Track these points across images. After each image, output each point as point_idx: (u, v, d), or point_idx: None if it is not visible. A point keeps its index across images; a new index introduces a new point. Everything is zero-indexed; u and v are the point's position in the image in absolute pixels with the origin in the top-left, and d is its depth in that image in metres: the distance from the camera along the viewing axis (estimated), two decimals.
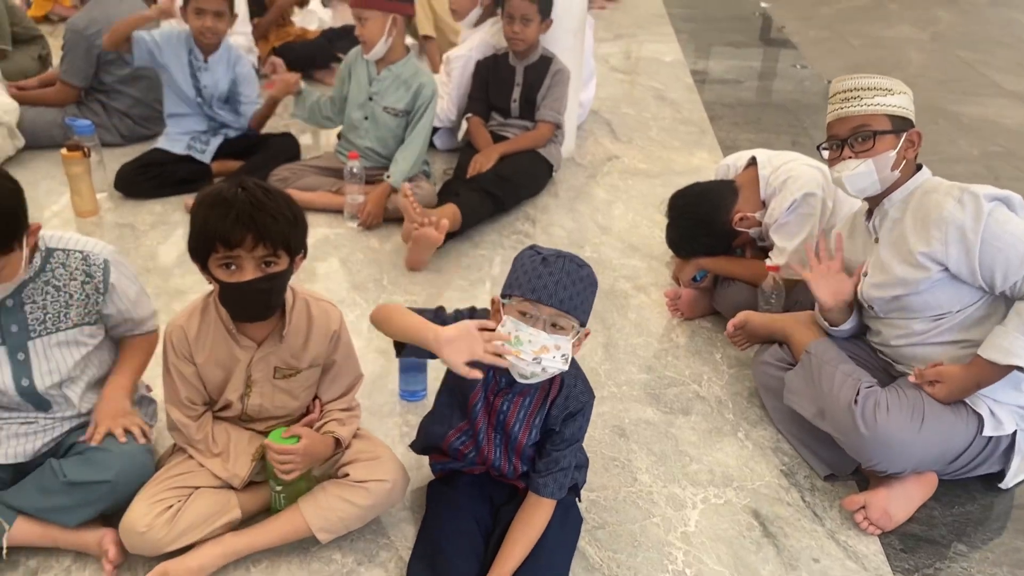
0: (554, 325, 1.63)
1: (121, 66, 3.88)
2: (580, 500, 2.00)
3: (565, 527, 1.86)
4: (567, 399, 1.78)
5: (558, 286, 1.60)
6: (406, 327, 1.69)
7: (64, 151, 3.23)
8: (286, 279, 1.76)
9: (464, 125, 3.92)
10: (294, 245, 1.72)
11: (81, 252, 1.82)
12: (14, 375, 1.80)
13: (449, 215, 3.17)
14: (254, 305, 1.74)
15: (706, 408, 2.47)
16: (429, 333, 1.61)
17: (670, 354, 2.72)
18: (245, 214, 1.62)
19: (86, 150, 3.26)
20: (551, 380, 1.77)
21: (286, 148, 3.74)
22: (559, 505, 1.83)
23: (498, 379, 1.77)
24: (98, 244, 1.86)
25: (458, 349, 1.57)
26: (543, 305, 1.60)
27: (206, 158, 3.63)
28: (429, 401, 2.34)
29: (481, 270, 3.15)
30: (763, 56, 6.51)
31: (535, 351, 1.60)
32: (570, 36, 3.83)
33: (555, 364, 1.62)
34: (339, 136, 3.68)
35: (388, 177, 3.36)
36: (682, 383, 2.58)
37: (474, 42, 3.96)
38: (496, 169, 3.50)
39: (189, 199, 3.41)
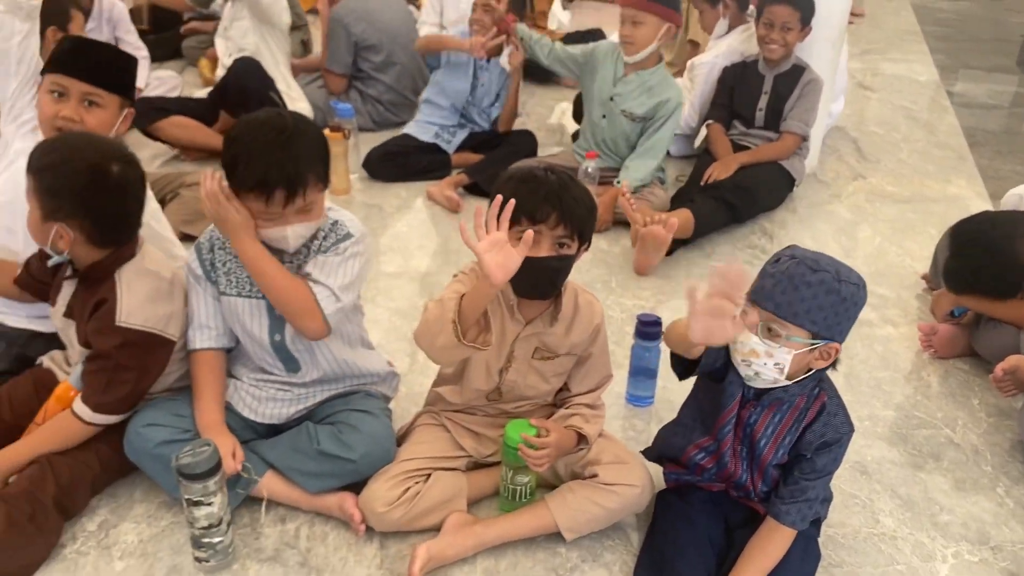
0: (769, 330, 1.54)
1: (376, 53, 4.12)
2: (819, 535, 1.88)
3: (805, 561, 1.75)
4: (825, 427, 1.67)
5: (776, 288, 1.52)
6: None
7: (327, 131, 3.47)
8: (570, 264, 1.78)
9: (702, 131, 3.82)
10: (586, 234, 1.76)
11: (335, 221, 1.90)
12: (270, 329, 1.91)
13: (682, 219, 3.09)
14: (542, 282, 1.76)
15: (960, 456, 2.25)
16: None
17: (920, 393, 2.50)
18: (553, 193, 1.68)
19: (346, 132, 3.48)
20: (809, 403, 1.67)
21: (525, 144, 3.82)
22: (799, 536, 1.72)
23: (746, 390, 1.69)
24: (351, 218, 1.93)
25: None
26: (757, 307, 1.54)
27: (450, 148, 3.78)
28: (657, 409, 2.34)
29: None
30: None
31: (744, 353, 1.56)
32: (827, 46, 3.63)
33: (767, 372, 1.57)
34: (574, 136, 3.71)
35: (619, 182, 3.33)
36: (933, 426, 2.36)
37: (721, 48, 3.85)
38: (735, 178, 3.38)
39: (432, 187, 3.56)
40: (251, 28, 3.82)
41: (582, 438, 1.87)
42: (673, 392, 2.14)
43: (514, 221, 1.65)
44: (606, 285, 2.99)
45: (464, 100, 3.78)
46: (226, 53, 3.91)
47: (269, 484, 1.91)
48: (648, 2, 3.25)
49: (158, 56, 4.47)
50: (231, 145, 1.75)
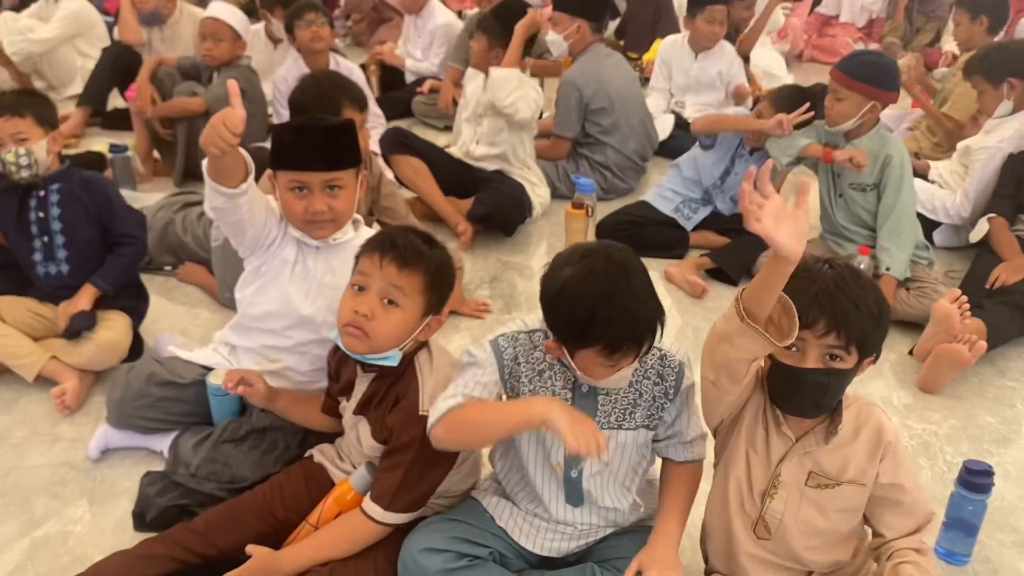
0: None
1: (606, 116, 3.97)
2: None
3: None
4: None
5: None
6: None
7: (569, 207, 3.34)
8: (847, 380, 1.54)
9: (981, 225, 3.40)
10: (870, 344, 1.51)
11: (660, 350, 1.72)
12: (567, 463, 1.75)
13: (975, 330, 2.72)
14: (803, 398, 1.54)
15: None
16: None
17: None
18: (825, 294, 1.46)
19: (588, 208, 3.34)
20: None
21: None
22: None
23: None
24: (675, 345, 1.75)
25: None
26: None
27: (689, 225, 3.56)
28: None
29: (1014, 406, 2.65)
30: None
31: None
32: None
33: None
34: (823, 229, 3.41)
35: (888, 270, 3.00)
36: None
37: (1006, 132, 3.45)
38: None
39: (672, 267, 3.35)
40: (505, 128, 3.63)
41: None
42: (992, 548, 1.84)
43: None
44: (886, 401, 2.65)
45: (712, 183, 3.57)
46: (472, 139, 3.80)
47: None
48: (851, 79, 2.99)
49: (390, 116, 4.53)
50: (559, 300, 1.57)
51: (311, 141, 1.96)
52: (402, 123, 5.07)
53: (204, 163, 1.88)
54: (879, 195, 3.12)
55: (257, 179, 2.00)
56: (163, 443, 2.24)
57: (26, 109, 2.47)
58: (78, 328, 2.47)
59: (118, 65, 4.53)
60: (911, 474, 1.66)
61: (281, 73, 4.08)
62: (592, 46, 4.01)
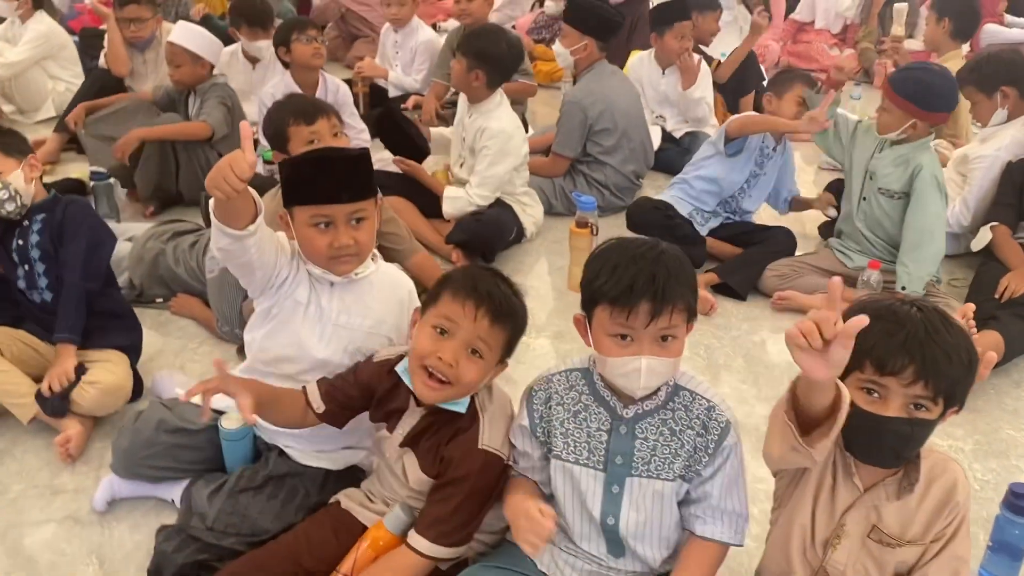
0: None
1: (609, 136, 3.92)
2: None
3: None
4: None
5: None
6: None
7: (573, 226, 3.28)
8: (930, 431, 1.46)
9: (983, 234, 3.40)
10: (958, 394, 1.43)
11: (708, 401, 1.65)
12: (603, 508, 1.68)
13: (991, 344, 2.70)
14: (882, 448, 1.46)
15: None
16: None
17: None
18: (915, 340, 1.38)
19: (592, 227, 3.28)
20: None
21: (784, 242, 3.49)
22: None
23: None
24: (725, 403, 1.67)
25: None
26: None
27: (703, 231, 3.50)
28: None
29: None
30: None
31: None
32: None
33: None
34: (838, 233, 3.38)
35: (903, 289, 2.97)
36: None
37: (1003, 141, 3.46)
38: None
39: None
40: None
41: None
42: None
43: (858, 365, 1.38)
44: None
45: (736, 189, 3.51)
46: (457, 161, 3.70)
47: None
48: (895, 94, 2.99)
49: (374, 134, 4.44)
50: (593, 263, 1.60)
51: (333, 173, 1.86)
52: None
53: (211, 203, 1.78)
54: (905, 206, 3.09)
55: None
56: (174, 492, 2.14)
57: None
58: (58, 412, 2.34)
59: (101, 92, 4.40)
60: (967, 546, 1.56)
61: (268, 90, 3.96)
62: (597, 64, 3.96)
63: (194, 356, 2.87)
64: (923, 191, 3.03)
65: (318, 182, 1.85)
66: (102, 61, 4.62)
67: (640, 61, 4.76)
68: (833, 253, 3.33)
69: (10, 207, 2.36)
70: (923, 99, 2.95)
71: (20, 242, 2.45)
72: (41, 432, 2.39)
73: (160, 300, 3.16)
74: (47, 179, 3.96)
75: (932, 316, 1.41)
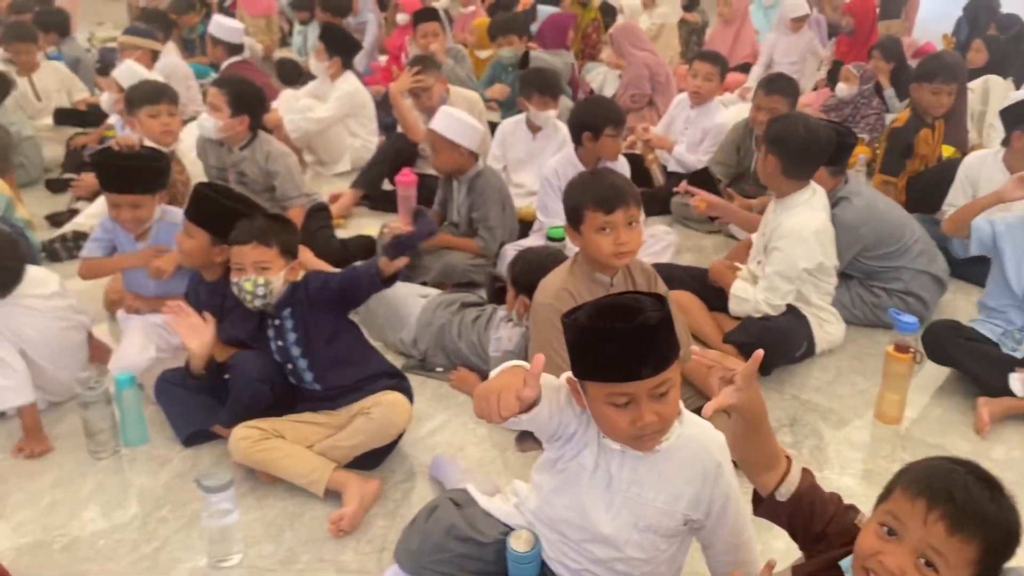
0: None
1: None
2: None
3: None
4: None
5: None
6: None
7: (891, 350, 2.86)
8: None
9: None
10: None
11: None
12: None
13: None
14: None
15: None
16: None
17: None
18: None
19: (916, 355, 2.84)
20: None
21: None
22: None
23: None
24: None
25: None
26: None
27: (1018, 355, 2.97)
28: None
29: None
30: None
31: None
32: None
33: None
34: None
35: None
36: None
37: None
38: None
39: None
40: None
41: None
42: None
43: None
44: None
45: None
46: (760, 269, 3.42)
47: None
48: None
49: None
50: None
51: (630, 347, 1.59)
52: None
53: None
54: None
55: None
56: None
57: (274, 239, 2.46)
58: (423, 232, 2.50)
59: (398, 156, 4.60)
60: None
61: (552, 165, 3.89)
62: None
63: (472, 437, 2.79)
64: None
65: (614, 357, 1.60)
66: (400, 128, 4.83)
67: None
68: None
69: (259, 303, 2.47)
70: None
71: (279, 343, 2.55)
72: (332, 501, 2.41)
73: (440, 370, 3.13)
74: (340, 234, 4.19)
75: None
